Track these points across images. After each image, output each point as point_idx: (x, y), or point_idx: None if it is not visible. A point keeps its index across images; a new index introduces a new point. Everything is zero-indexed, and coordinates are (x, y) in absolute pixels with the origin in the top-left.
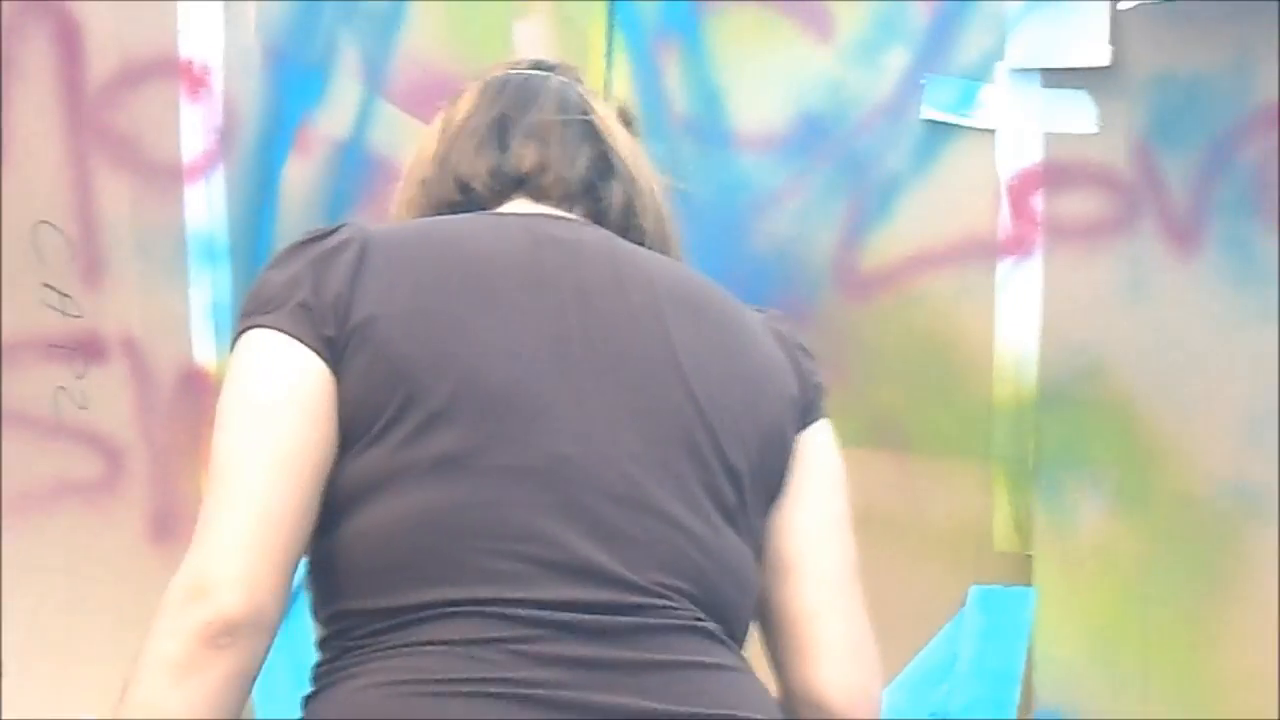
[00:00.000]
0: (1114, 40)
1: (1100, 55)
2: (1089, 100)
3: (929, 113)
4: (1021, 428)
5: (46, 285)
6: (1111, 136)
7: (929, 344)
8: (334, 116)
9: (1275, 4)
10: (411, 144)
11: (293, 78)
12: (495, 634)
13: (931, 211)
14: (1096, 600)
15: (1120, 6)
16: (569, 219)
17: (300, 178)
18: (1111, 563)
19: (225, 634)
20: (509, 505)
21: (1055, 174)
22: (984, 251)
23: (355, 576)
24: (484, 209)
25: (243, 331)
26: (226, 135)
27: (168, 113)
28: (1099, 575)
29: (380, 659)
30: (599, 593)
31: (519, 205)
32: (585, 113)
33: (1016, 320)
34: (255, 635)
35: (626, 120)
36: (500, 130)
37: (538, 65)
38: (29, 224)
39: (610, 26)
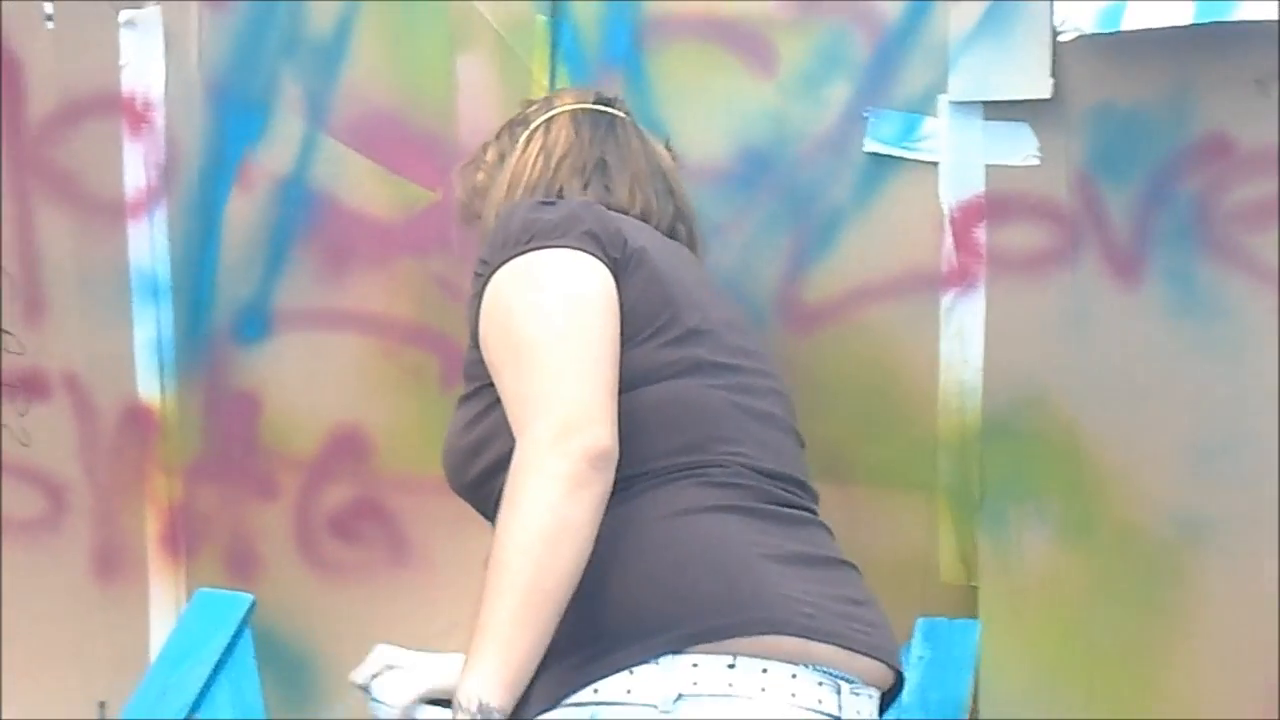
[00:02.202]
0: (1055, 73)
1: (1041, 88)
2: (1030, 132)
3: (871, 145)
4: (966, 459)
5: None
6: (1053, 168)
7: (872, 376)
8: (276, 152)
9: (1215, 36)
10: (353, 178)
11: (235, 113)
12: (736, 482)
13: (874, 244)
14: (1042, 631)
15: (1061, 39)
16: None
17: (243, 213)
18: (1057, 594)
19: (602, 459)
20: (746, 392)
21: (997, 206)
22: (927, 283)
23: (641, 439)
24: None
25: (530, 250)
26: (168, 171)
27: (109, 149)
28: (1044, 606)
29: (660, 492)
30: (776, 465)
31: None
32: (658, 157)
33: (960, 352)
34: (614, 463)
35: (674, 156)
36: (601, 170)
37: (607, 100)
38: None
39: (553, 59)
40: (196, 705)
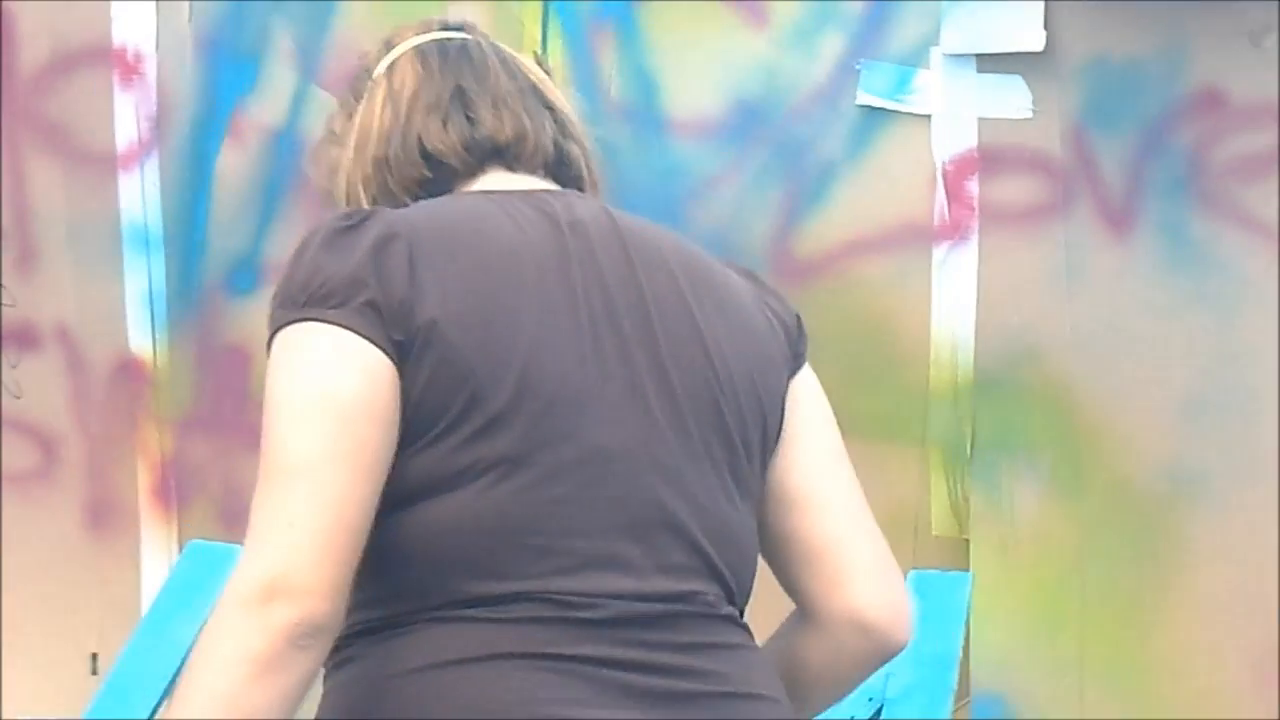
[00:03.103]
0: (1048, 25)
1: (1034, 40)
2: (1023, 85)
3: (864, 98)
4: (958, 413)
5: None
6: (1046, 121)
7: (865, 329)
8: (268, 104)
9: None
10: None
11: (226, 65)
12: (547, 615)
13: (867, 197)
14: (1033, 584)
15: None
16: (562, 194)
17: (234, 165)
18: (1047, 547)
19: (310, 635)
20: (556, 503)
21: (990, 159)
22: (919, 236)
23: (413, 569)
24: (454, 183)
25: (302, 320)
26: (160, 123)
27: (100, 101)
28: (1035, 559)
29: (431, 633)
30: (636, 584)
31: (500, 179)
32: (525, 74)
33: (952, 305)
34: (329, 638)
35: (545, 70)
36: (461, 101)
37: (454, 26)
38: None
39: (545, 13)
40: (188, 658)
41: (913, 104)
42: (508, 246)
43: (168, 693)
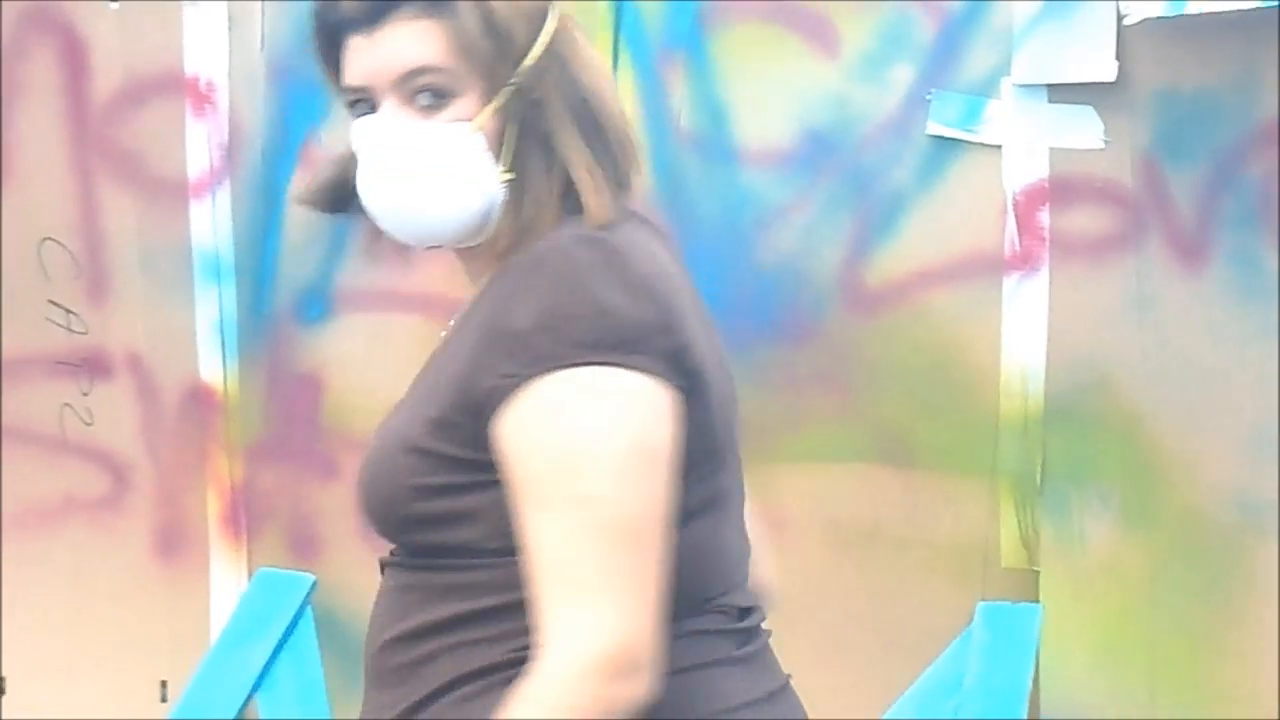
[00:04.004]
0: (1120, 56)
1: (1106, 71)
2: (1095, 116)
3: (935, 128)
4: (1028, 443)
5: (52, 302)
6: (1117, 152)
7: (935, 359)
8: (339, 133)
9: (1279, 19)
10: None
11: (298, 94)
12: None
13: (937, 227)
14: (1103, 616)
15: (1126, 22)
16: (647, 223)
17: None
18: (1118, 578)
19: (635, 713)
20: (739, 530)
21: (1061, 189)
22: (990, 267)
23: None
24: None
25: (603, 364)
26: (232, 151)
27: (173, 129)
28: (1105, 591)
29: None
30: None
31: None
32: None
33: (1022, 335)
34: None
35: None
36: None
37: None
38: (34, 241)
39: (615, 41)
40: (257, 685)
41: (983, 134)
42: (685, 288)
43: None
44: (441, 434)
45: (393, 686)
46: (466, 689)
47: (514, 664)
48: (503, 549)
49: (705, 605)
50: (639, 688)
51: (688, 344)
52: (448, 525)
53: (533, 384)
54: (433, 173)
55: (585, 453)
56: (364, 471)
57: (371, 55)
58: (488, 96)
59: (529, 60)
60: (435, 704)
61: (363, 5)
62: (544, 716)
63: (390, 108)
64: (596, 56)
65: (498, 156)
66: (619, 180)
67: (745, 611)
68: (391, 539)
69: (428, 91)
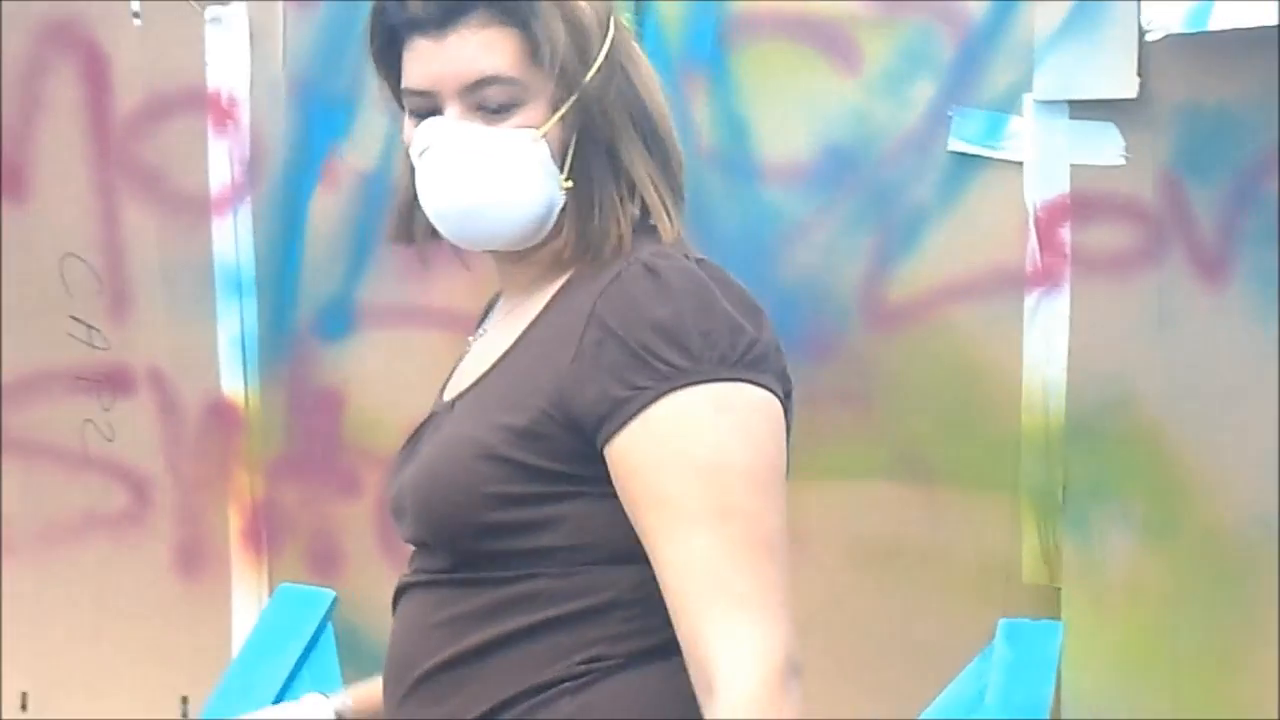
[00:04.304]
0: (1141, 72)
1: (1128, 87)
2: (1116, 132)
3: (956, 145)
4: (1049, 460)
5: (73, 318)
6: (1139, 168)
7: (956, 376)
8: (361, 148)
9: None
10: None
11: (320, 110)
12: None
13: (959, 243)
14: (1125, 633)
15: (1148, 38)
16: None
17: (327, 210)
18: (1140, 595)
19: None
20: None
21: (1082, 206)
22: (1011, 283)
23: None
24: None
25: (746, 382)
26: (253, 167)
27: (194, 145)
28: (1127, 608)
29: None
30: None
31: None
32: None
33: (1044, 352)
34: None
35: None
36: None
37: None
38: (56, 257)
39: None
40: (279, 701)
41: (1005, 150)
42: None
43: None
44: (526, 444)
45: (442, 702)
46: (533, 701)
47: (578, 676)
48: (573, 558)
49: None
50: (800, 687)
51: (785, 365)
52: (519, 534)
53: (669, 398)
54: (496, 176)
55: (731, 467)
56: (423, 478)
57: (439, 60)
58: (554, 105)
59: (594, 69)
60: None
61: (432, 7)
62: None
63: (454, 112)
64: (651, 68)
65: (561, 164)
66: (677, 195)
67: None
68: (448, 547)
69: (495, 99)
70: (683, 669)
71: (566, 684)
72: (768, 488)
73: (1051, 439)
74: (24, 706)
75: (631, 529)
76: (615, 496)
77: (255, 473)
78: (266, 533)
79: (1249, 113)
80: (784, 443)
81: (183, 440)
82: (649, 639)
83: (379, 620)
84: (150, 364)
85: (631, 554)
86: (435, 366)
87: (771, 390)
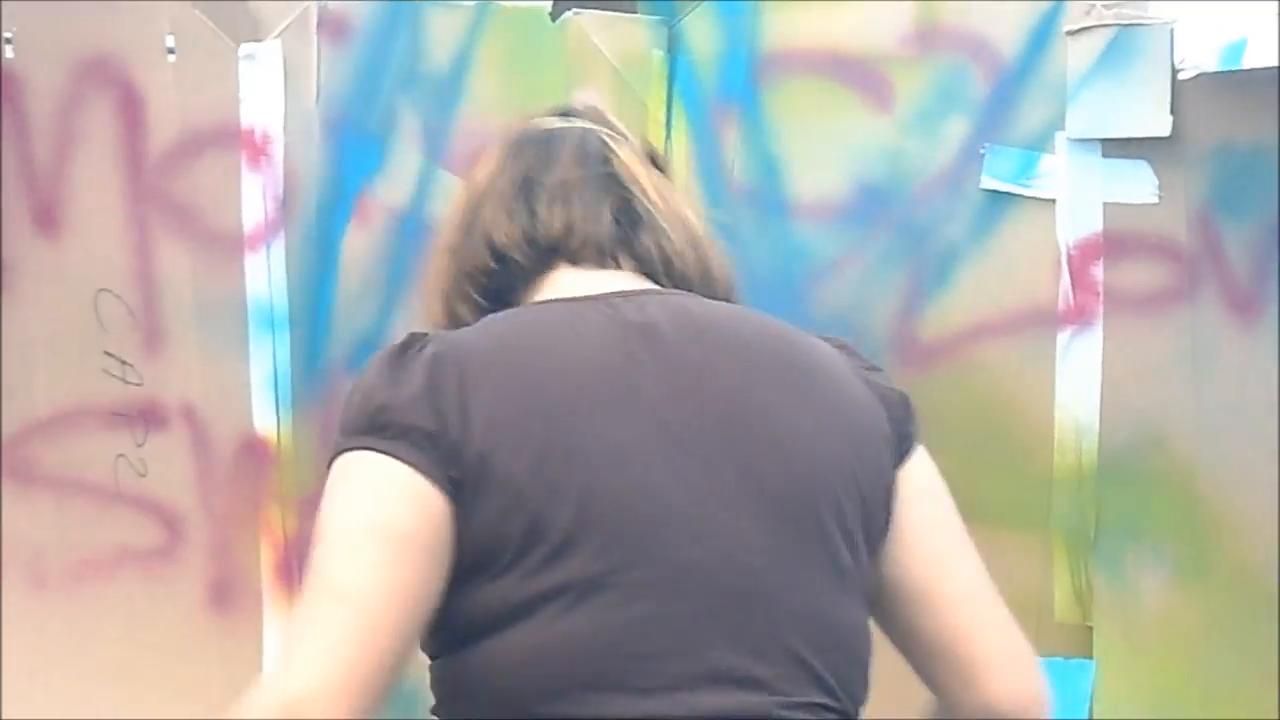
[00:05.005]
0: (1175, 110)
1: (1161, 125)
2: (1149, 170)
3: (989, 182)
4: (1081, 498)
5: (107, 353)
6: (1172, 206)
7: (989, 414)
8: (394, 186)
9: None
10: None
11: (353, 147)
12: None
13: (991, 281)
14: (1157, 672)
15: (1181, 76)
16: (637, 294)
17: (360, 247)
18: (1172, 634)
19: None
20: (642, 622)
21: (1115, 244)
22: (1044, 321)
23: (491, 700)
24: (523, 278)
25: (359, 449)
26: (287, 204)
27: (228, 181)
28: (1159, 647)
29: None
30: (741, 697)
31: (569, 278)
32: (605, 161)
33: (1077, 390)
34: None
35: (654, 159)
36: (526, 192)
37: (563, 113)
38: (90, 292)
39: (669, 94)
40: None
41: (1037, 188)
42: (567, 363)
43: None
44: None
45: None
46: None
47: None
48: None
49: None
50: None
51: (458, 435)
52: None
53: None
54: None
55: (321, 528)
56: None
57: None
58: None
59: None
60: None
61: None
62: None
63: None
64: None
65: None
66: None
67: None
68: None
69: None
70: None
71: None
72: (351, 542)
73: (1084, 477)
74: None
75: None
76: None
77: (287, 509)
78: (299, 569)
79: None
80: (397, 503)
81: (215, 476)
82: None
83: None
84: (183, 400)
85: None
86: None
87: (393, 455)
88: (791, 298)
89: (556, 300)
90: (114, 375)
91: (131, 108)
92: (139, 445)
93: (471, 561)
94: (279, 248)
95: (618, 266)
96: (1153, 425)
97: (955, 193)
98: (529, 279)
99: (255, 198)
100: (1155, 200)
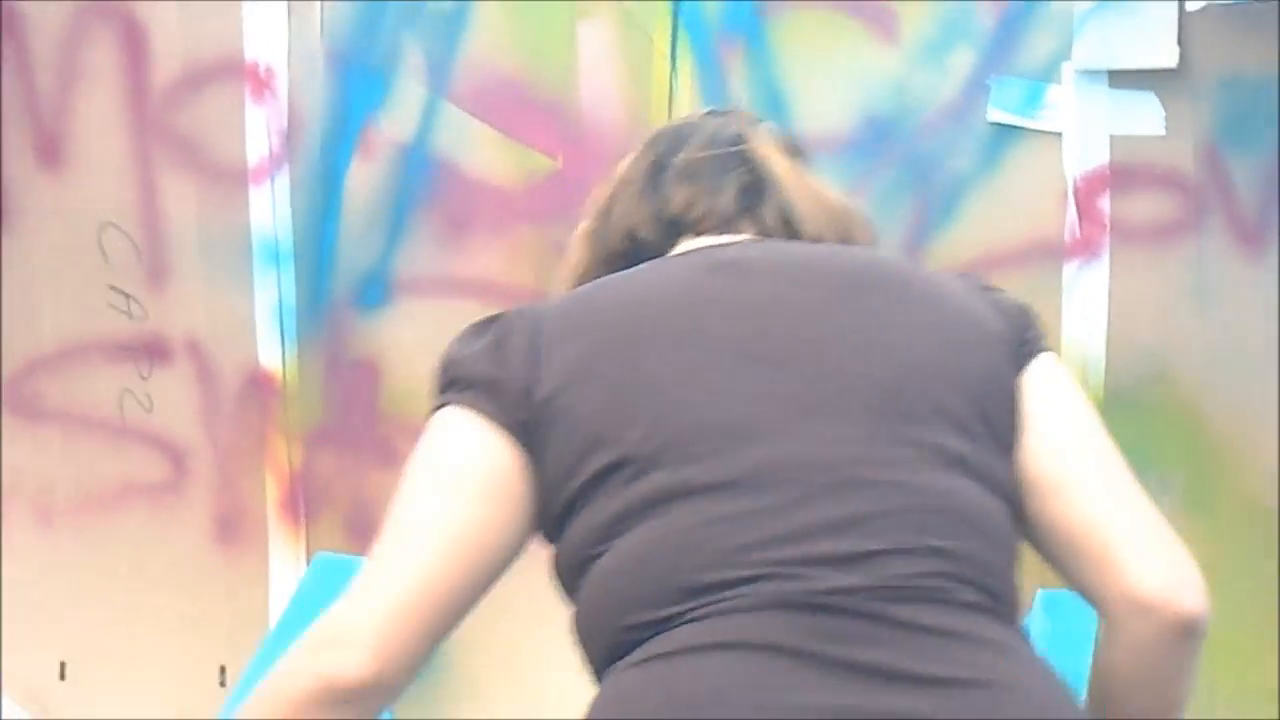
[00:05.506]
0: (1182, 42)
1: (1168, 57)
2: (1156, 102)
3: (995, 114)
4: None
5: (112, 288)
6: (1179, 138)
7: None
8: (398, 119)
9: None
10: (474, 146)
11: (357, 80)
12: (753, 636)
13: (997, 214)
14: None
15: (1188, 8)
16: (736, 241)
17: (364, 180)
18: None
19: (347, 695)
20: (737, 518)
21: (1122, 176)
22: (1050, 254)
23: (610, 623)
24: (654, 256)
25: (441, 405)
26: (291, 138)
27: (232, 115)
28: None
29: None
30: (850, 575)
31: (685, 245)
32: (735, 142)
33: (1083, 323)
34: (370, 699)
35: (791, 149)
36: (656, 175)
37: (710, 112)
38: (95, 227)
39: (674, 28)
40: None
41: (1044, 120)
42: (639, 303)
43: None
44: None
45: None
46: None
47: None
48: None
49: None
50: (333, 663)
51: (526, 382)
52: None
53: None
54: None
55: (404, 477)
56: None
57: None
58: None
59: None
60: None
61: None
62: (265, 678)
63: None
64: None
65: None
66: None
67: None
68: None
69: None
70: None
71: None
72: (425, 487)
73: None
74: (62, 676)
75: None
76: None
77: (293, 442)
78: (304, 502)
79: None
80: (469, 449)
81: (221, 410)
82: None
83: None
84: (188, 334)
85: None
86: None
87: (466, 406)
88: None
89: (659, 259)
90: (119, 309)
91: (135, 41)
92: (144, 379)
93: (559, 500)
94: (283, 182)
95: (738, 235)
96: (1159, 357)
97: (961, 125)
98: (656, 256)
99: (259, 132)
100: (1162, 132)
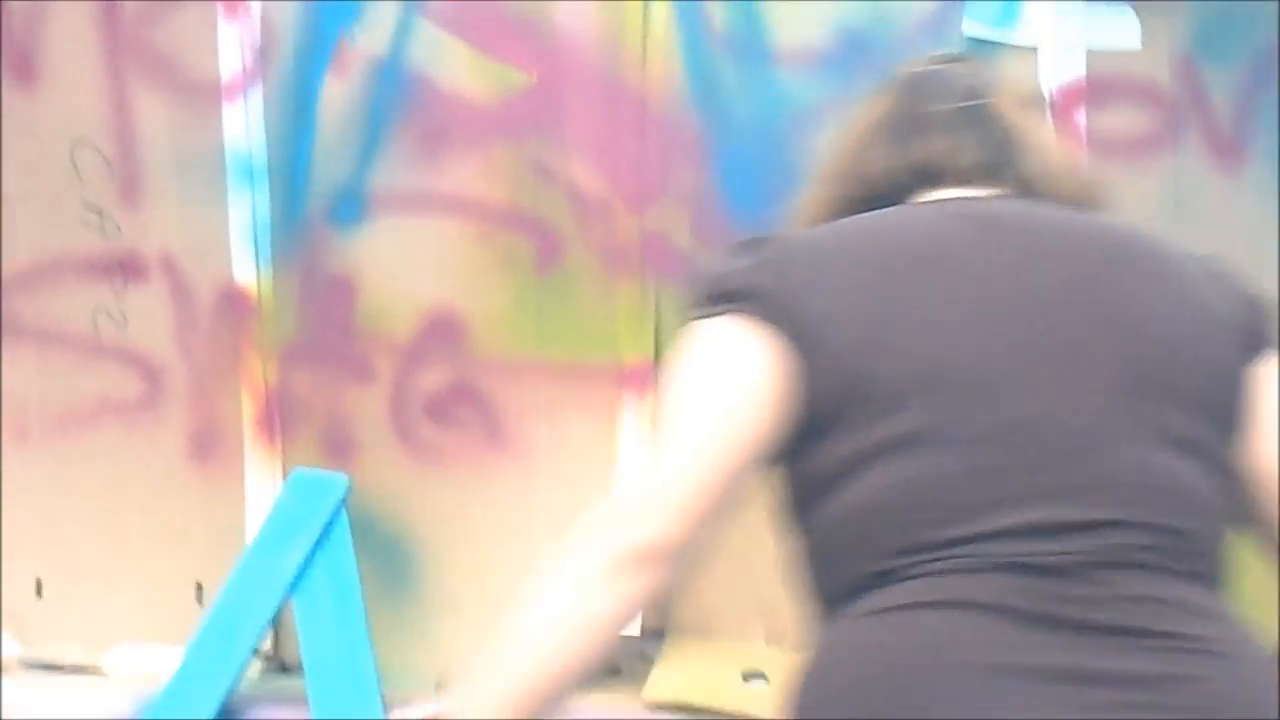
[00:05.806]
0: None
1: None
2: (1132, 16)
3: (971, 29)
4: None
5: (86, 204)
6: (1155, 53)
7: None
8: (372, 34)
9: None
10: (448, 61)
11: None
12: (982, 596)
13: None
14: None
15: None
16: (981, 196)
17: (338, 96)
18: None
19: (650, 556)
20: (967, 475)
21: (1098, 90)
22: None
23: (841, 551)
24: (893, 204)
25: (707, 316)
26: (264, 53)
27: (205, 31)
28: None
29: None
30: (1065, 542)
31: (932, 195)
32: (976, 94)
33: None
34: (667, 565)
35: (1032, 102)
36: (897, 126)
37: (946, 59)
38: (68, 143)
39: None
40: (293, 586)
41: (1020, 35)
42: (897, 244)
43: (272, 620)
44: None
45: None
46: None
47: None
48: None
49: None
50: (637, 533)
51: (794, 298)
52: None
53: None
54: None
55: (672, 382)
56: None
57: None
58: None
59: None
60: None
61: None
62: (564, 556)
63: None
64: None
65: None
66: None
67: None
68: None
69: None
70: None
71: None
72: (694, 390)
73: None
74: (39, 592)
75: None
76: None
77: (268, 359)
78: (280, 419)
79: None
80: (735, 355)
81: (195, 327)
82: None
83: (392, 506)
84: (162, 251)
85: None
86: (447, 252)
87: (736, 315)
88: (773, 145)
89: (914, 204)
90: (92, 226)
91: None
92: (118, 296)
93: (807, 422)
94: (257, 98)
95: (993, 187)
96: None
97: (938, 40)
98: (895, 204)
99: (233, 47)
100: (1138, 46)
